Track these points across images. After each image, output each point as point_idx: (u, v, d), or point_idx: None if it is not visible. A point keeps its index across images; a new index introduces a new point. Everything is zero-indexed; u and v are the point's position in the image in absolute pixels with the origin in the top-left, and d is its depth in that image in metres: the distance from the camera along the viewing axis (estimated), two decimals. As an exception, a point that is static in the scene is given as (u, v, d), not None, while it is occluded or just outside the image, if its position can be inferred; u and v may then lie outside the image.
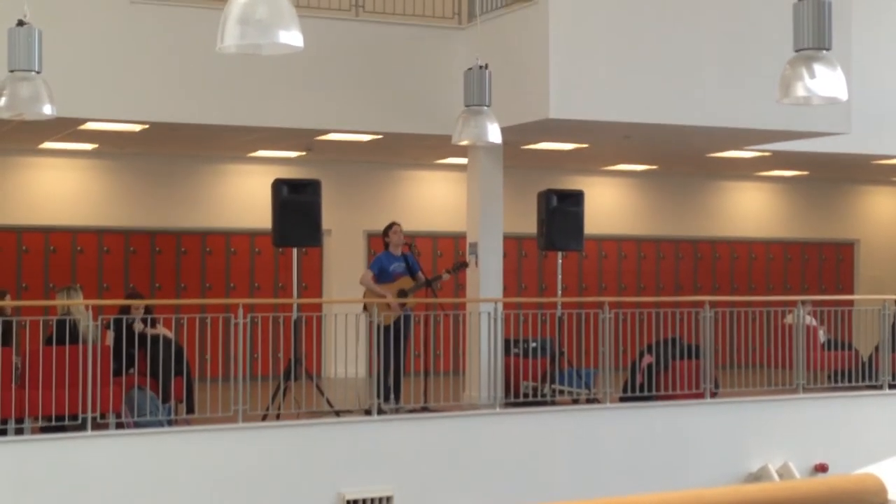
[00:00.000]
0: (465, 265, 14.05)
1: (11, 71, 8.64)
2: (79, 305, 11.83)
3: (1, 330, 11.06)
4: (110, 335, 11.75)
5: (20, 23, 8.63)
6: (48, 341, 11.53)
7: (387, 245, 13.32)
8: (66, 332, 11.34)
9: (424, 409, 12.57)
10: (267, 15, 5.44)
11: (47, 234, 16.53)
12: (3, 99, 8.71)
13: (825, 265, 21.15)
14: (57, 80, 8.85)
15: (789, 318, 14.26)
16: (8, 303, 12.44)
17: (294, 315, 12.52)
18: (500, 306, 13.13)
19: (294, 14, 5.48)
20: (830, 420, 13.91)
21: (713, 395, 13.54)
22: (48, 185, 16.54)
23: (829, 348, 15.02)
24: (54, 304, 12.14)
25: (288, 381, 12.05)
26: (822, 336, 15.09)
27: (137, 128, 13.99)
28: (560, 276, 14.34)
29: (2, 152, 16.06)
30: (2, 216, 16.23)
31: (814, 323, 14.79)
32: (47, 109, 8.71)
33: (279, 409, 11.86)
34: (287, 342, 12.43)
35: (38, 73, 8.63)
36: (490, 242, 14.35)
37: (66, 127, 13.68)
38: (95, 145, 15.91)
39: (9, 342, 11.14)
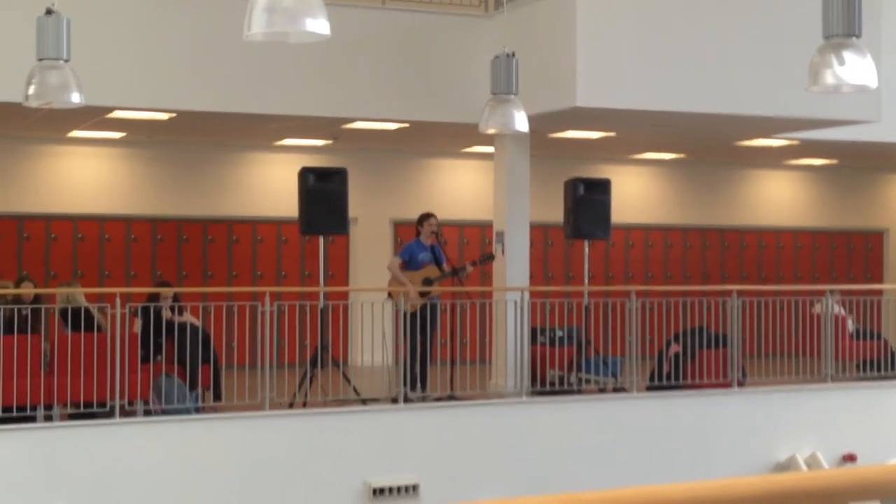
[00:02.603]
0: (490, 257, 14.04)
1: (40, 59, 8.68)
2: (78, 293, 11.89)
3: (30, 317, 11.13)
4: (138, 323, 11.81)
5: (48, 11, 8.66)
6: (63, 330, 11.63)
7: (418, 233, 13.35)
8: (78, 319, 11.42)
9: (451, 398, 12.58)
10: (294, 3, 5.45)
11: (75, 222, 16.60)
12: (32, 88, 8.76)
13: (854, 254, 21.03)
14: (85, 69, 8.88)
15: (817, 308, 14.20)
16: (25, 290, 12.47)
17: (321, 303, 12.54)
18: (526, 295, 13.12)
19: (321, 2, 5.48)
20: (859, 410, 13.85)
21: (740, 384, 13.50)
22: (76, 174, 16.62)
23: (857, 338, 14.95)
24: (75, 292, 12.19)
25: (315, 368, 12.08)
26: (850, 325, 15.02)
27: (165, 116, 14.03)
28: (587, 265, 14.30)
29: (31, 141, 16.13)
30: (31, 204, 16.31)
31: (842, 312, 14.72)
32: (75, 98, 8.74)
33: (306, 396, 11.90)
34: (314, 330, 12.45)
35: (66, 61, 8.67)
36: (517, 231, 14.32)
37: (94, 115, 13.73)
38: (123, 134, 15.96)
39: (37, 329, 11.20)
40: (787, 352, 13.96)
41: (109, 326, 11.43)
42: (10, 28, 11.69)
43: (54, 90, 8.82)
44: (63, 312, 11.76)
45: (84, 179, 16.65)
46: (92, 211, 16.63)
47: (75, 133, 15.88)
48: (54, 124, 14.90)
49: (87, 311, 11.63)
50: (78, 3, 10.12)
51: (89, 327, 11.44)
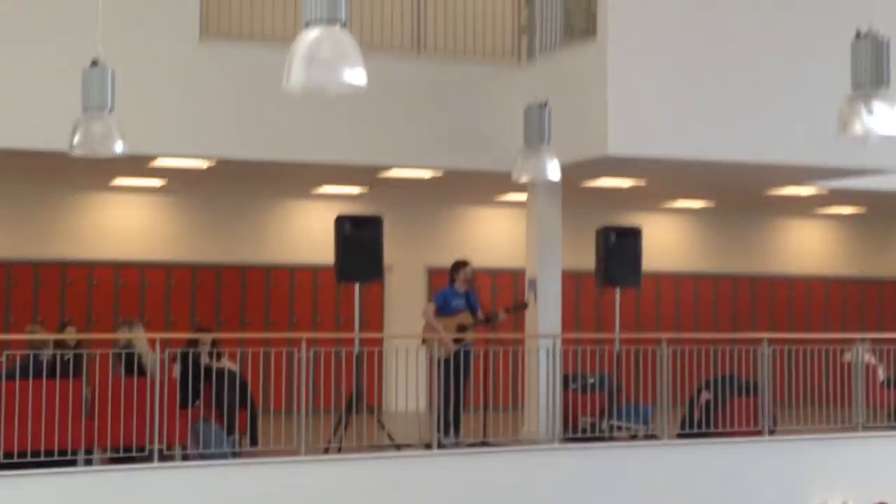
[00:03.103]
0: (524, 306, 14.15)
1: (85, 110, 8.92)
2: (140, 339, 12.06)
3: (72, 363, 11.32)
4: (177, 368, 11.97)
5: (94, 63, 8.91)
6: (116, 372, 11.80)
7: (453, 280, 13.48)
8: (130, 364, 11.60)
9: (484, 444, 12.65)
10: (332, 54, 5.57)
11: (117, 268, 16.85)
12: (77, 137, 9.00)
13: (885, 303, 20.99)
14: (128, 117, 9.11)
15: (848, 356, 14.20)
16: (69, 335, 12.68)
17: (356, 349, 12.68)
18: (558, 342, 13.22)
19: (358, 53, 5.61)
20: (890, 458, 13.82)
21: (772, 432, 13.51)
22: (118, 221, 16.88)
23: (888, 386, 14.95)
24: (118, 338, 12.38)
25: (350, 414, 12.19)
26: (881, 374, 15.02)
27: (205, 164, 14.25)
28: (618, 313, 14.37)
29: (74, 189, 16.42)
30: (74, 251, 16.58)
31: (873, 361, 14.72)
32: (118, 147, 8.97)
33: (341, 441, 12.00)
34: (349, 376, 12.58)
35: (110, 111, 8.90)
36: (549, 278, 14.41)
37: (136, 164, 13.95)
38: (164, 181, 16.22)
39: (78, 374, 11.37)
40: (818, 400, 13.95)
41: (149, 371, 11.61)
42: (56, 78, 11.95)
43: (98, 140, 9.05)
44: (120, 356, 11.93)
45: (126, 226, 16.91)
46: (133, 258, 16.88)
47: (118, 181, 16.16)
48: (98, 173, 15.15)
49: (139, 356, 11.80)
50: (121, 52, 10.35)
51: (140, 372, 11.61)
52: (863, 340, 14.16)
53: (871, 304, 20.91)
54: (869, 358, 14.44)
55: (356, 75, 5.61)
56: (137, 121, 10.97)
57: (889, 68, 7.54)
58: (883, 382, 15.00)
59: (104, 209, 16.81)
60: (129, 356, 11.82)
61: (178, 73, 13.13)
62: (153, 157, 13.71)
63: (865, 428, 13.86)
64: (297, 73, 5.60)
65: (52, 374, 11.41)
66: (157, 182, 16.27)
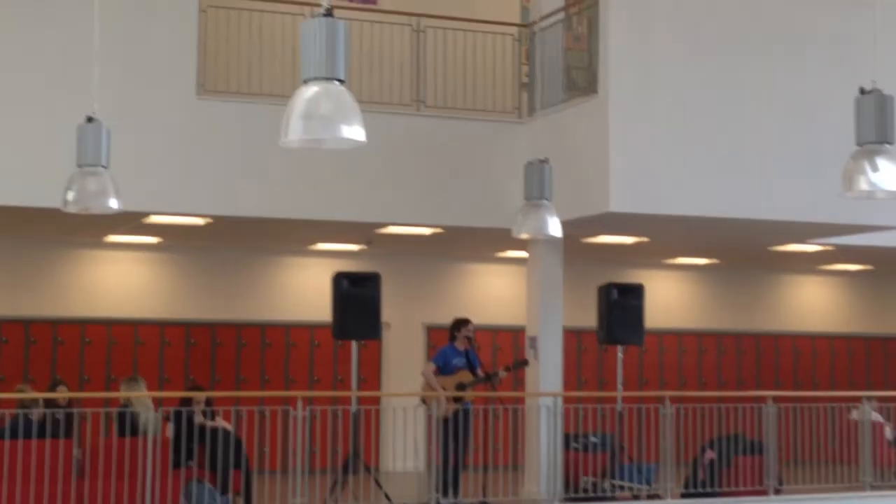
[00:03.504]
0: (524, 363, 14.04)
1: (80, 166, 8.83)
2: (140, 397, 11.90)
3: (63, 422, 11.14)
4: (170, 427, 11.80)
5: (89, 119, 8.83)
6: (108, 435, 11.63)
7: (453, 338, 13.35)
8: (125, 425, 11.43)
9: (483, 504, 12.50)
10: (330, 110, 5.53)
11: (109, 326, 16.68)
12: (71, 194, 8.91)
13: (891, 360, 20.84)
14: (123, 174, 9.02)
15: (854, 414, 14.05)
16: (61, 394, 12.52)
17: (353, 408, 12.52)
18: (559, 400, 13.08)
19: (357, 109, 5.56)
20: (898, 519, 13.65)
21: (777, 491, 13.34)
22: (111, 278, 16.74)
23: (895, 445, 14.77)
24: (108, 397, 12.22)
25: (346, 474, 12.02)
26: (888, 433, 14.87)
27: (202, 221, 14.16)
28: (620, 371, 14.24)
29: (67, 245, 16.30)
30: (66, 308, 16.42)
31: (880, 419, 14.57)
32: (113, 204, 8.88)
33: (337, 502, 11.83)
34: (346, 435, 12.40)
35: (104, 167, 8.81)
36: (550, 336, 14.30)
37: (130, 220, 13.87)
38: (159, 238, 16.11)
39: (69, 433, 11.20)
40: (825, 459, 13.79)
41: (144, 430, 11.44)
42: (50, 134, 11.87)
43: (93, 196, 8.97)
44: (117, 415, 11.75)
45: (119, 283, 16.77)
46: (126, 315, 16.72)
47: (112, 237, 16.04)
48: (92, 229, 15.07)
49: (134, 416, 11.63)
50: (116, 109, 10.29)
51: (133, 432, 11.44)
52: (869, 398, 14.01)
53: (877, 361, 20.76)
54: (876, 416, 14.29)
55: (354, 131, 5.55)
56: (132, 177, 10.88)
57: (894, 125, 7.48)
58: (890, 441, 14.83)
59: (97, 266, 16.67)
60: (123, 416, 11.62)
61: (175, 129, 13.06)
62: (148, 214, 13.60)
63: (873, 487, 13.68)
64: (294, 129, 5.57)
65: (42, 434, 11.21)
66: (152, 239, 16.16)
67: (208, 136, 13.20)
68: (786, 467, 14.02)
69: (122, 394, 12.15)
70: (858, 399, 14.14)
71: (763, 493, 13.25)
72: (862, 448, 13.73)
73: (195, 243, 16.50)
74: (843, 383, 20.00)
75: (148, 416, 11.42)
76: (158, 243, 16.43)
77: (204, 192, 13.20)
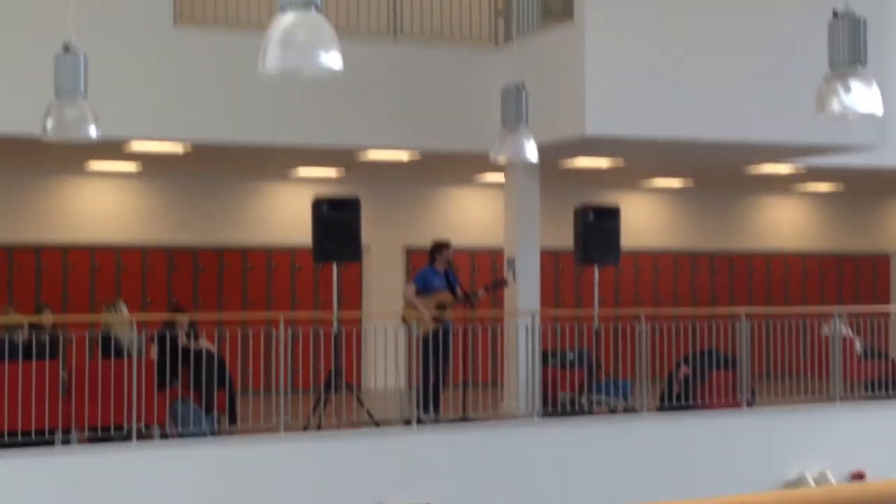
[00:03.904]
0: (503, 283, 14.19)
1: (58, 95, 8.88)
2: (120, 321, 12.03)
3: (47, 345, 11.32)
4: (154, 349, 11.98)
5: (66, 48, 8.87)
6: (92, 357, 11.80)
7: (432, 261, 13.51)
8: (107, 348, 11.61)
9: (464, 420, 12.73)
10: (307, 38, 5.55)
11: (92, 251, 16.81)
12: (50, 122, 8.93)
13: (861, 278, 21.14)
14: (102, 102, 9.08)
15: (825, 329, 14.32)
16: (46, 318, 12.69)
17: (334, 328, 12.70)
18: (537, 318, 13.28)
19: (334, 37, 5.60)
20: (867, 429, 13.95)
21: (750, 405, 13.62)
22: (93, 205, 16.84)
23: (865, 358, 15.07)
24: (93, 320, 12.35)
25: (329, 392, 12.23)
26: (858, 346, 15.14)
27: (181, 148, 14.23)
28: (597, 290, 14.43)
29: (48, 173, 16.37)
30: (49, 235, 16.53)
31: (850, 333, 14.84)
32: (92, 132, 8.91)
33: (320, 420, 12.04)
34: (327, 355, 12.61)
35: (83, 96, 8.86)
36: (527, 257, 14.47)
37: (110, 148, 13.92)
38: (139, 165, 16.18)
39: (55, 356, 11.37)
40: (796, 373, 14.07)
41: (126, 352, 11.62)
42: (28, 64, 11.91)
43: (72, 125, 8.98)
44: (97, 339, 11.91)
45: (101, 210, 16.87)
46: (108, 241, 16.84)
47: (92, 165, 16.12)
48: (72, 157, 15.12)
49: (118, 337, 11.79)
50: (94, 37, 10.32)
51: (118, 354, 11.61)
52: (840, 314, 14.27)
53: (848, 278, 21.06)
54: (846, 331, 14.55)
55: (332, 59, 5.59)
56: (112, 105, 10.94)
57: (866, 47, 7.57)
58: (860, 355, 15.11)
59: (79, 193, 16.76)
60: (106, 339, 11.81)
61: (153, 57, 13.10)
62: (128, 142, 13.67)
63: (843, 399, 14.00)
64: (272, 57, 5.58)
65: (27, 357, 11.40)
66: (132, 166, 16.23)
67: (186, 64, 13.23)
68: (758, 381, 14.30)
69: (105, 316, 12.28)
70: (829, 314, 14.40)
71: (736, 406, 13.54)
72: (832, 362, 14.02)
73: (176, 170, 16.58)
74: (814, 300, 20.29)
75: (130, 339, 11.59)
76: (139, 171, 16.50)
77: (183, 119, 13.26)
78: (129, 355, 11.49)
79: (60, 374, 11.21)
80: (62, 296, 16.48)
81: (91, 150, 14.10)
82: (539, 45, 13.83)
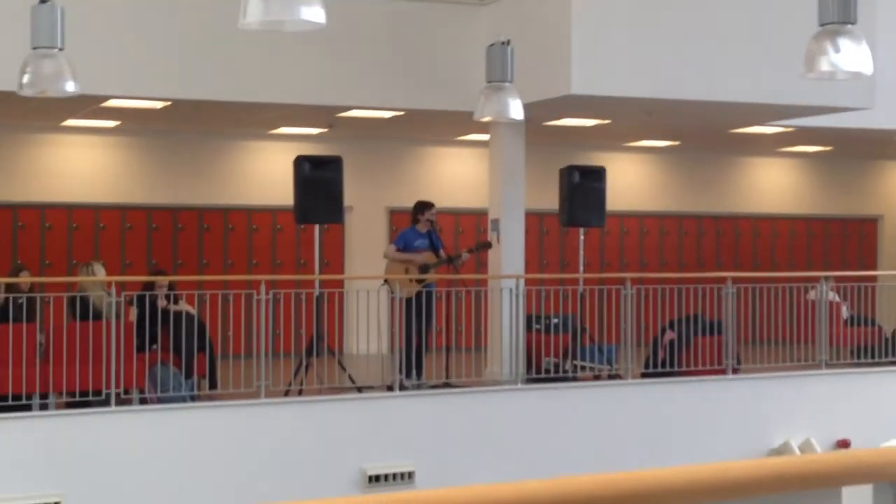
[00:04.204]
0: (487, 245, 14.06)
1: (34, 48, 8.68)
2: (94, 282, 11.84)
3: (25, 307, 11.14)
4: (134, 311, 11.81)
5: (42, 0, 8.66)
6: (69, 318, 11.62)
7: (415, 221, 13.34)
8: (82, 309, 11.42)
9: (446, 385, 12.61)
10: None
11: (70, 210, 16.59)
12: (27, 76, 8.77)
13: (848, 241, 21.07)
14: (80, 57, 8.89)
15: (812, 295, 14.23)
16: (24, 279, 12.50)
17: (316, 291, 12.55)
18: (521, 282, 13.15)
19: None
20: (853, 396, 13.89)
21: (735, 370, 13.54)
22: (71, 163, 16.61)
23: (851, 324, 14.99)
24: (71, 282, 12.16)
25: (310, 357, 12.09)
26: (844, 312, 15.06)
27: (160, 105, 14.03)
28: (582, 253, 14.33)
29: (25, 129, 16.12)
30: (25, 193, 16.31)
31: (836, 299, 14.75)
32: (70, 86, 8.76)
33: (301, 384, 11.92)
34: (309, 318, 12.46)
35: (60, 50, 8.67)
36: (512, 219, 14.34)
37: (88, 104, 13.72)
38: (118, 122, 15.96)
39: (32, 318, 11.20)
40: (782, 338, 13.98)
41: (105, 315, 11.43)
42: (4, 17, 11.67)
43: (48, 79, 8.84)
44: (72, 302, 11.73)
45: (79, 168, 16.64)
46: (87, 200, 16.62)
47: (70, 122, 15.87)
48: (49, 113, 14.90)
49: (91, 300, 11.59)
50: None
51: (97, 316, 11.43)
52: (826, 279, 14.17)
53: (835, 242, 20.98)
54: (832, 296, 14.47)
55: (314, 13, 5.46)
56: (90, 60, 10.74)
57: (856, 5, 7.45)
58: (846, 320, 15.03)
59: (56, 150, 16.52)
60: (82, 301, 11.61)
61: (132, 10, 12.87)
62: (106, 98, 13.44)
63: (829, 366, 13.92)
64: (253, 11, 5.47)
65: (4, 319, 11.21)
66: (110, 123, 16.00)
67: (166, 17, 13.01)
68: (744, 347, 14.21)
69: (84, 278, 12.09)
70: (816, 279, 14.30)
71: (721, 372, 13.45)
72: (818, 327, 13.93)
73: (155, 127, 16.36)
74: (801, 264, 20.22)
75: (106, 301, 11.39)
76: (117, 127, 16.27)
77: (161, 75, 13.06)
78: (107, 318, 11.31)
79: (38, 337, 11.04)
80: (39, 257, 16.26)
81: (68, 106, 13.87)
82: (525, 3, 13.66)
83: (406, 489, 11.63)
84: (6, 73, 9.61)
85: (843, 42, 7.40)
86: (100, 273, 12.04)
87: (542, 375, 13.12)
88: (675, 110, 14.58)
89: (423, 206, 13.37)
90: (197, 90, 13.29)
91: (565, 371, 13.20)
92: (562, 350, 13.51)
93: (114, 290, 11.38)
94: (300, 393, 11.87)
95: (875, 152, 20.52)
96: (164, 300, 12.22)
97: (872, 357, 14.38)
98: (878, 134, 16.89)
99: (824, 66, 7.50)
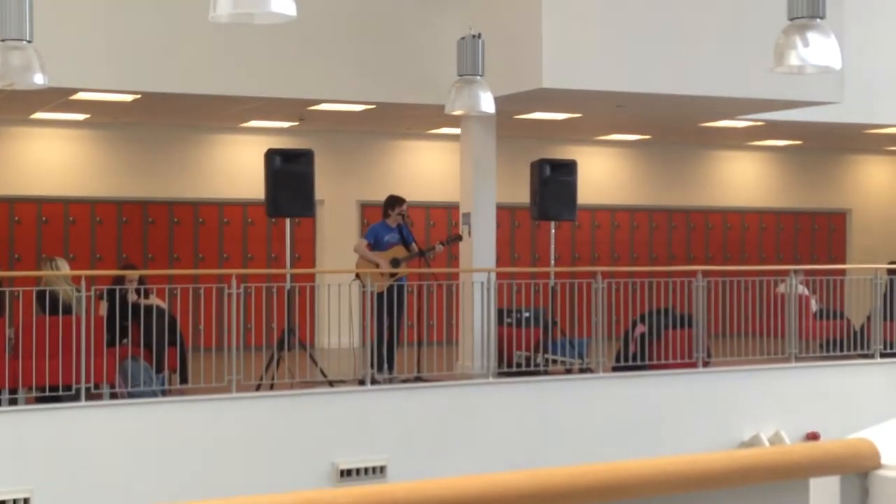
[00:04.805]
0: (458, 238, 14.06)
1: (2, 40, 8.60)
2: (58, 277, 11.75)
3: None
4: (104, 306, 11.75)
5: (11, -9, 8.58)
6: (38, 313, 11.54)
7: (386, 216, 13.33)
8: (50, 304, 11.34)
9: (418, 379, 12.60)
10: None
11: (39, 204, 16.49)
12: (-7, 68, 8.68)
13: (818, 235, 21.18)
14: (49, 49, 8.82)
15: (782, 288, 14.29)
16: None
17: (287, 285, 12.53)
18: (493, 276, 13.15)
19: None
20: (822, 389, 13.96)
21: (705, 364, 13.58)
22: (40, 156, 16.50)
23: (821, 317, 15.06)
24: (41, 275, 12.07)
25: (281, 351, 12.07)
26: (814, 305, 15.13)
27: (129, 98, 13.96)
28: (553, 246, 14.35)
29: (-7, 122, 16.03)
30: (-6, 186, 16.21)
31: (806, 292, 14.82)
32: (39, 79, 8.67)
33: (273, 379, 11.89)
34: (280, 312, 12.44)
35: (29, 42, 8.59)
36: (483, 212, 14.33)
37: (57, 97, 13.64)
38: (87, 115, 15.87)
39: (1, 313, 11.13)
40: (752, 331, 14.04)
41: (74, 309, 11.36)
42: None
43: (17, 71, 8.74)
44: (38, 296, 11.64)
45: (48, 161, 16.54)
46: (56, 193, 16.53)
47: (39, 115, 15.77)
48: (17, 106, 14.79)
49: (58, 295, 11.50)
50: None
51: (66, 311, 11.34)
52: (796, 272, 14.24)
53: (804, 235, 21.08)
54: (802, 289, 14.54)
55: (284, 5, 5.45)
56: (59, 52, 10.68)
57: (825, 0, 7.48)
58: (815, 314, 15.10)
59: (25, 143, 16.41)
60: (45, 296, 11.52)
61: (101, 3, 12.79)
62: (75, 91, 13.36)
63: (798, 359, 13.99)
64: (223, 3, 5.44)
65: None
66: (80, 116, 15.91)
67: (136, 10, 12.95)
68: (714, 340, 14.27)
69: (49, 272, 12.00)
70: (786, 273, 14.37)
71: (692, 365, 13.50)
72: (788, 321, 14.00)
73: (125, 120, 16.27)
74: (771, 257, 20.33)
75: (70, 294, 11.32)
76: (87, 120, 16.18)
77: (131, 68, 13.00)
78: (76, 312, 11.24)
79: (7, 331, 10.97)
80: (8, 251, 16.16)
81: (37, 99, 13.78)
82: (497, -4, 13.64)
83: (378, 483, 11.61)
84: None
85: (812, 36, 7.43)
86: (63, 268, 11.93)
87: (514, 369, 13.14)
88: (645, 104, 14.61)
89: (394, 202, 13.35)
90: (167, 83, 13.24)
91: (536, 365, 13.22)
92: (533, 344, 13.52)
93: (83, 284, 11.31)
94: (272, 387, 11.84)
95: (844, 146, 20.64)
96: (135, 294, 12.15)
97: (841, 350, 14.46)
98: (848, 128, 16.99)
99: (793, 60, 7.53)
